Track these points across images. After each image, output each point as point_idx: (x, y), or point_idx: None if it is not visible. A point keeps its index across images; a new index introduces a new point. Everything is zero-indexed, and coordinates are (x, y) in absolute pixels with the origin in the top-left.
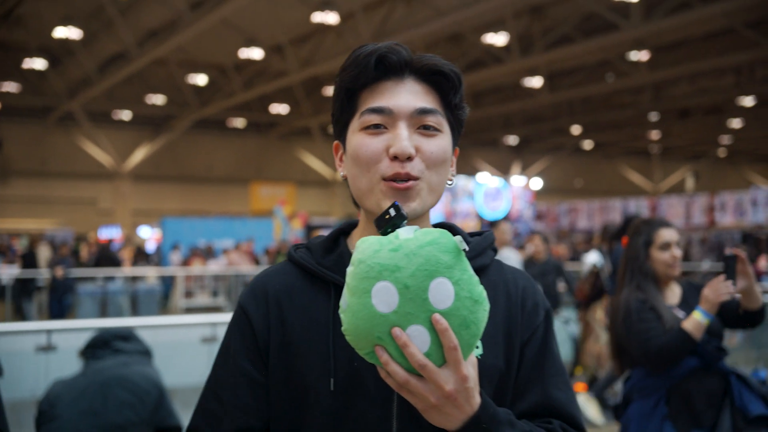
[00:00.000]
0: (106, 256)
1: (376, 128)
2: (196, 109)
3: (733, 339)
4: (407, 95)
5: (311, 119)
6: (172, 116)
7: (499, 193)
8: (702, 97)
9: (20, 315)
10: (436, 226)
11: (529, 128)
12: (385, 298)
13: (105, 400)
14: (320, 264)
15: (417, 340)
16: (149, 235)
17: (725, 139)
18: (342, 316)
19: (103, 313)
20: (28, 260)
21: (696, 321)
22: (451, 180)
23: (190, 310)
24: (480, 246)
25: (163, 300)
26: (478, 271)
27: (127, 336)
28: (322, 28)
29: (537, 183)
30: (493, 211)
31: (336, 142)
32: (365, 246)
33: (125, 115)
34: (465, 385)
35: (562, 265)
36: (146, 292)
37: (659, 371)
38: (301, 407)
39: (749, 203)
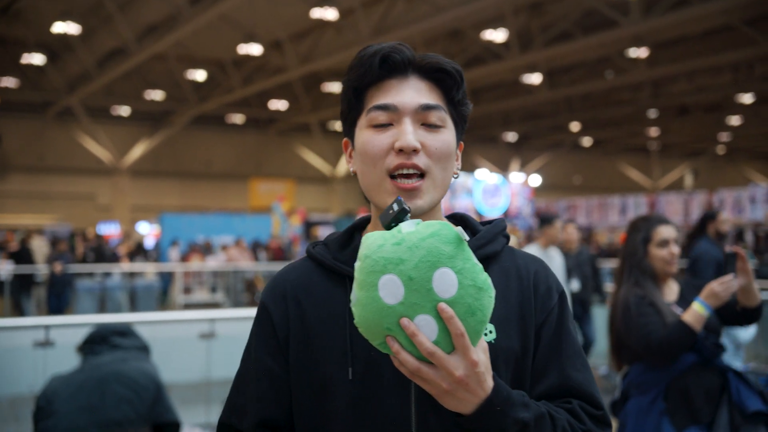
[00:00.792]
0: (100, 252)
1: (382, 125)
2: (195, 104)
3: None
4: (411, 92)
5: (310, 115)
6: (171, 112)
7: (497, 190)
8: (701, 94)
9: (18, 311)
10: (448, 217)
11: (528, 125)
12: (391, 290)
13: (103, 395)
14: (336, 258)
15: (425, 329)
16: (148, 231)
17: (724, 137)
18: (353, 309)
19: (102, 308)
20: (23, 256)
21: (696, 313)
22: (456, 174)
23: (188, 306)
24: (490, 233)
25: (161, 296)
26: (489, 257)
27: (124, 332)
28: (321, 23)
29: (536, 180)
30: (492, 207)
31: (345, 139)
32: (370, 241)
33: (124, 110)
34: (475, 370)
35: (596, 257)
36: (144, 288)
37: (661, 365)
38: (323, 398)
39: (747, 200)
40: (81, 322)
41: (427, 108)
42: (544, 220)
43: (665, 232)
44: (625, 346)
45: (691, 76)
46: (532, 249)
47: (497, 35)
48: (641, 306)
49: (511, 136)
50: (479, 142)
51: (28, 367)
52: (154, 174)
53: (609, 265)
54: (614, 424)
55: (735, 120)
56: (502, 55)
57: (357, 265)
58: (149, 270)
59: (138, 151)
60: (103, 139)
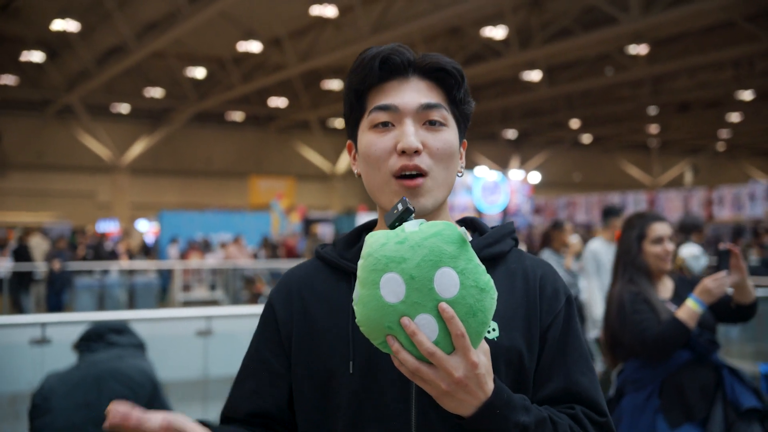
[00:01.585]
0: (99, 250)
1: (384, 126)
2: (195, 102)
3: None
4: (412, 92)
5: (310, 112)
6: (171, 109)
7: (497, 187)
8: (701, 90)
9: (18, 308)
10: (459, 221)
11: (527, 122)
12: (392, 288)
13: (99, 393)
14: (342, 256)
15: (425, 328)
16: (147, 229)
17: (724, 133)
18: (355, 308)
19: (101, 306)
20: (22, 253)
21: (690, 309)
22: (460, 172)
23: (188, 304)
24: (498, 234)
25: (161, 293)
26: (496, 257)
27: (121, 329)
28: (321, 21)
29: (535, 177)
30: (491, 205)
31: (349, 141)
32: (373, 240)
33: (124, 108)
34: (475, 372)
35: None
36: (144, 286)
37: (656, 361)
38: (326, 392)
39: (747, 197)
40: (77, 320)
41: (428, 107)
42: (611, 211)
43: (660, 229)
44: (620, 343)
45: (692, 73)
46: (597, 244)
47: (497, 32)
48: (636, 303)
49: (510, 134)
50: (479, 139)
51: (24, 364)
52: (154, 171)
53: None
54: None
55: (735, 117)
56: (502, 52)
57: (360, 263)
58: (148, 267)
59: (138, 148)
60: (102, 137)
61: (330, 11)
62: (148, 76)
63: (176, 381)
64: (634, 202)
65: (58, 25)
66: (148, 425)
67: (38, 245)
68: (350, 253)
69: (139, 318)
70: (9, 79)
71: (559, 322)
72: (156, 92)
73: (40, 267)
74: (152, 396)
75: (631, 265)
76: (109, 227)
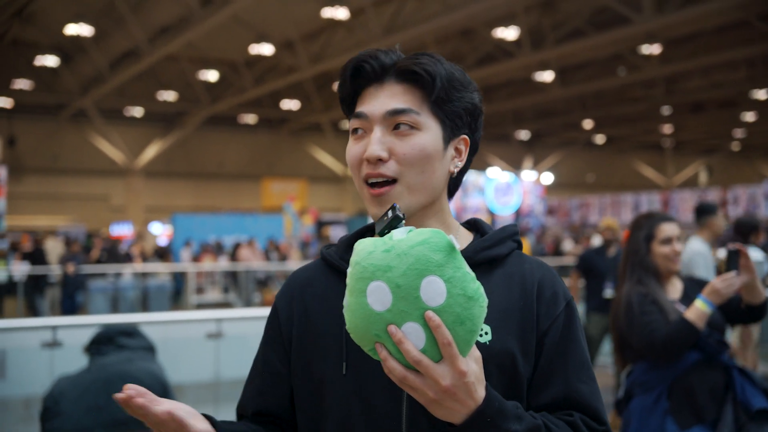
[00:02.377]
0: (113, 253)
1: (358, 132)
2: (208, 105)
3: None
4: (384, 98)
5: (322, 115)
6: (184, 112)
7: (509, 188)
8: (715, 90)
9: (32, 311)
10: (464, 223)
11: (540, 123)
12: (379, 297)
13: (109, 396)
14: (342, 258)
15: (412, 336)
16: (160, 232)
17: (738, 133)
18: (345, 314)
19: (114, 309)
20: (37, 257)
21: (698, 310)
22: (453, 172)
23: (201, 306)
24: (497, 236)
25: (174, 296)
26: (493, 261)
27: (131, 332)
28: (333, 23)
29: (548, 178)
30: (504, 206)
31: None
32: (361, 248)
33: (137, 111)
34: (464, 380)
35: None
36: (157, 289)
37: (664, 363)
38: (321, 392)
39: (762, 197)
40: (88, 323)
41: (395, 113)
42: (706, 209)
43: (668, 229)
44: (629, 344)
45: (705, 73)
46: (695, 244)
47: (509, 33)
48: (644, 304)
49: (523, 134)
50: (492, 140)
51: (36, 367)
52: (167, 174)
53: None
54: (618, 423)
55: (750, 116)
56: (514, 53)
57: (348, 270)
58: (161, 270)
59: (151, 151)
60: (116, 140)
61: (341, 13)
62: (161, 80)
63: (188, 383)
64: (647, 203)
65: (72, 29)
66: (152, 410)
67: (53, 248)
68: (350, 254)
69: (150, 321)
70: (24, 84)
71: (558, 327)
72: (169, 96)
73: (54, 270)
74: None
75: (639, 265)
76: (123, 230)
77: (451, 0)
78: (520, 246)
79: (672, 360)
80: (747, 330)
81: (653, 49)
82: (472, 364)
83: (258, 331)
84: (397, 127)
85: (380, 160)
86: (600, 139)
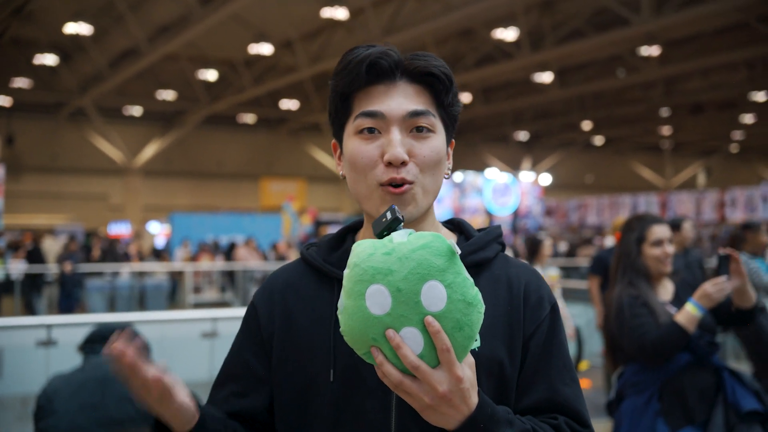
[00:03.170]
0: (111, 252)
1: (370, 132)
2: (207, 104)
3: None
4: (399, 98)
5: (321, 115)
6: (183, 112)
7: (507, 189)
8: (714, 92)
9: (30, 310)
10: (445, 223)
11: (539, 124)
12: (378, 300)
13: (103, 394)
14: (326, 261)
15: (410, 341)
16: (159, 231)
17: (737, 135)
18: (339, 317)
19: (112, 308)
20: (34, 256)
21: (689, 313)
22: (447, 174)
23: (198, 306)
24: (483, 240)
25: (171, 295)
26: (480, 264)
27: None
28: (332, 23)
29: (546, 179)
30: (502, 206)
31: (334, 141)
32: (360, 249)
33: (136, 110)
34: (460, 386)
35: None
36: (154, 288)
37: (655, 365)
38: (305, 399)
39: (760, 199)
40: (82, 322)
41: (415, 114)
42: (750, 226)
43: (659, 231)
44: (620, 346)
45: (704, 74)
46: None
47: (508, 34)
48: (634, 307)
49: (522, 135)
50: (490, 141)
51: (31, 366)
52: (166, 174)
53: None
54: (610, 424)
55: (748, 118)
56: (513, 53)
57: (346, 272)
58: (158, 269)
59: (150, 151)
60: (115, 139)
61: (341, 13)
62: (160, 79)
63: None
64: (646, 204)
65: (71, 28)
66: (142, 371)
67: (51, 247)
68: (334, 256)
69: (145, 320)
70: (22, 82)
71: (543, 331)
72: (168, 95)
73: (51, 269)
74: None
75: (630, 267)
76: (121, 229)
77: (450, 0)
78: (504, 248)
79: (662, 362)
80: None
81: (652, 50)
82: (467, 370)
83: None
84: (415, 129)
85: (403, 164)
86: (599, 140)
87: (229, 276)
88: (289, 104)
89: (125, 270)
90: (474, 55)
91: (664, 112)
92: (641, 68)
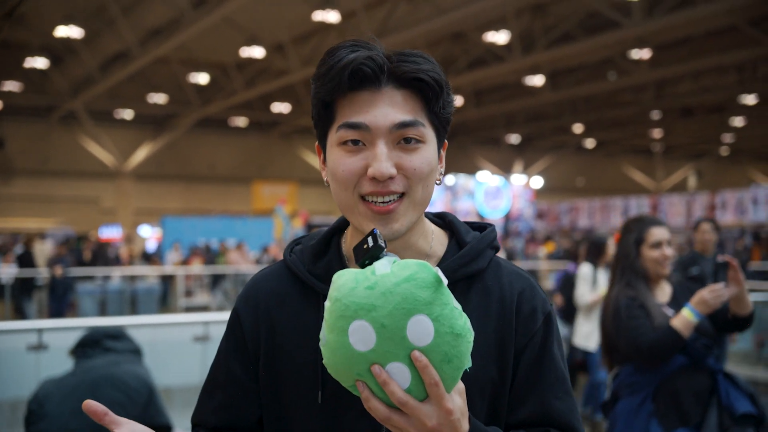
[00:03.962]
0: (102, 256)
1: (354, 144)
2: (198, 107)
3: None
4: (385, 108)
5: None
6: (174, 115)
7: (499, 192)
8: (704, 95)
9: (20, 314)
10: (435, 215)
11: (531, 127)
12: (362, 337)
13: (95, 398)
14: (310, 272)
15: (397, 376)
16: (150, 234)
17: (728, 138)
18: (322, 349)
19: (103, 312)
20: (25, 259)
21: (685, 319)
22: (439, 180)
23: (189, 309)
24: (476, 249)
25: (163, 299)
26: (474, 275)
27: (117, 335)
28: (324, 26)
29: (537, 182)
30: (494, 209)
31: (317, 144)
32: (341, 282)
33: (127, 114)
34: (450, 419)
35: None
36: (145, 292)
37: (651, 367)
38: (293, 418)
39: (750, 202)
40: (73, 326)
41: (403, 126)
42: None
43: (658, 233)
44: (616, 347)
45: (695, 77)
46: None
47: (499, 37)
48: (631, 308)
49: (514, 138)
50: (482, 144)
51: (21, 370)
52: (158, 177)
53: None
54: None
55: (738, 121)
56: (505, 57)
57: (327, 305)
58: (150, 273)
59: (141, 154)
60: (106, 143)
61: (333, 17)
62: (151, 82)
63: (175, 386)
64: (637, 207)
65: (62, 31)
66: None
67: (42, 251)
68: (319, 267)
69: (136, 324)
70: (13, 86)
71: (536, 343)
72: (159, 98)
73: (42, 273)
74: (148, 402)
75: (629, 269)
76: (113, 233)
77: (442, 3)
78: (497, 250)
79: (657, 365)
80: None
81: (643, 53)
82: (457, 399)
83: None
84: (403, 140)
85: (390, 178)
86: (590, 143)
87: (221, 280)
88: (280, 107)
89: (116, 274)
90: (466, 58)
91: (655, 115)
92: (632, 71)
